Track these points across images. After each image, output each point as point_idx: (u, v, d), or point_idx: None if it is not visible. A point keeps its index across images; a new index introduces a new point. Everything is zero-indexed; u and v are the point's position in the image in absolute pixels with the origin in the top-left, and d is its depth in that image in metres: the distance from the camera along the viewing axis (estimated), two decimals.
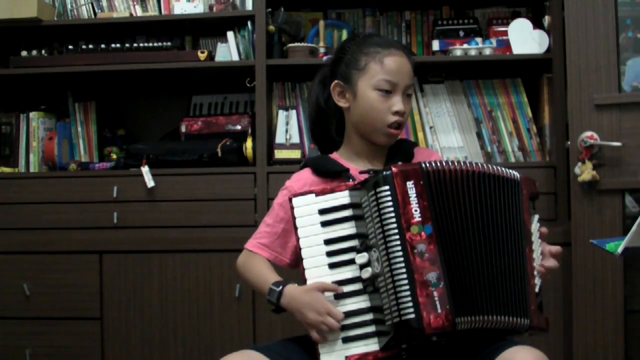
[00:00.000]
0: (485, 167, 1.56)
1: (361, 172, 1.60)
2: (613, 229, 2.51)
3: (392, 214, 1.47)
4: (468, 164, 1.55)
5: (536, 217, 1.61)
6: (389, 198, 1.47)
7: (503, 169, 1.58)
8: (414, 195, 1.48)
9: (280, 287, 1.59)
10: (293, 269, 1.75)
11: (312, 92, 1.86)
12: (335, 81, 1.76)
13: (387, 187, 1.48)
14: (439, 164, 1.53)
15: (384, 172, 1.50)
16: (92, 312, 2.86)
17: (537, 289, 1.55)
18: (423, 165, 1.51)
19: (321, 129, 1.84)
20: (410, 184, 1.48)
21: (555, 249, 1.61)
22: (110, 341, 2.85)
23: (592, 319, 2.54)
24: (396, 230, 1.46)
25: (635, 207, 2.55)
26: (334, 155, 1.80)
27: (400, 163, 1.68)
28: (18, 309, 2.89)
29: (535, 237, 1.58)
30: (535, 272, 1.56)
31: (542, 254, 1.59)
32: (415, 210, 1.47)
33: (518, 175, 1.59)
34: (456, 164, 1.54)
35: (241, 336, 2.78)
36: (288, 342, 1.67)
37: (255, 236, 1.77)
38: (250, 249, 1.75)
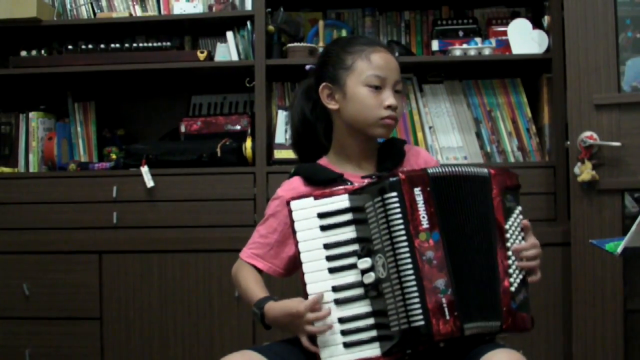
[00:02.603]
0: (467, 169, 1.55)
1: (363, 177, 1.59)
2: (612, 229, 2.51)
3: (400, 221, 1.46)
4: (459, 168, 1.55)
5: (517, 210, 1.58)
6: (397, 205, 1.46)
7: (475, 168, 1.57)
8: (422, 201, 1.47)
9: (260, 310, 1.59)
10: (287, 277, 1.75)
11: (295, 104, 1.83)
12: (324, 84, 1.73)
13: (394, 194, 1.47)
14: (443, 169, 1.53)
15: (391, 178, 1.48)
16: (91, 312, 2.86)
17: (513, 288, 1.53)
18: (429, 171, 1.51)
19: (307, 138, 1.81)
20: (417, 190, 1.48)
21: (522, 245, 1.57)
22: (110, 341, 2.85)
23: (591, 319, 2.54)
24: (404, 238, 1.45)
25: (635, 207, 2.55)
26: (323, 162, 1.77)
27: (406, 169, 1.67)
28: (18, 309, 2.89)
29: (512, 234, 1.56)
30: (511, 270, 1.54)
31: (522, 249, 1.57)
32: (423, 217, 1.47)
33: (487, 171, 1.57)
34: (455, 168, 1.54)
35: (240, 336, 2.78)
36: (288, 342, 1.66)
37: (249, 245, 1.75)
38: (244, 259, 1.73)
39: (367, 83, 1.68)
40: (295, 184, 1.74)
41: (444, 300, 1.44)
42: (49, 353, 2.87)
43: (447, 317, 1.43)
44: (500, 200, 1.56)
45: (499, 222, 1.55)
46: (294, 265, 1.68)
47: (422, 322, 1.43)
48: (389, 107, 1.67)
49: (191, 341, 2.82)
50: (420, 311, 1.43)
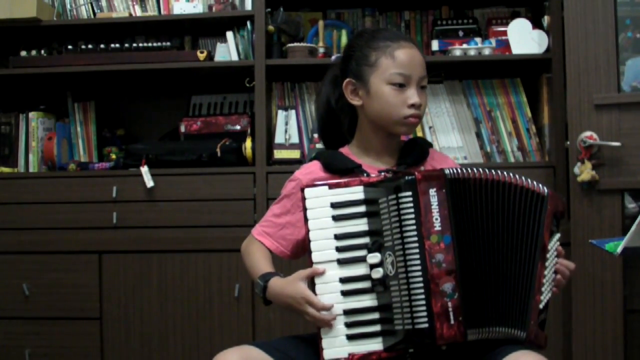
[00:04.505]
0: (511, 176, 1.54)
1: (381, 172, 1.59)
2: (612, 228, 2.50)
3: (413, 222, 1.45)
4: (492, 172, 1.53)
5: (557, 235, 1.59)
6: (411, 205, 1.46)
7: (532, 181, 1.56)
8: (436, 203, 1.46)
9: (265, 282, 1.59)
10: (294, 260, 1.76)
11: (322, 92, 1.83)
12: (347, 79, 1.72)
13: (409, 193, 1.46)
14: (462, 171, 1.51)
15: (407, 177, 1.48)
16: (91, 312, 2.86)
17: (541, 305, 1.54)
18: (447, 171, 1.50)
19: (331, 128, 1.82)
20: (432, 192, 1.47)
21: (568, 262, 1.62)
22: (110, 341, 2.85)
23: (591, 319, 2.54)
24: (416, 239, 1.45)
25: (635, 207, 2.55)
26: (345, 150, 1.78)
27: (423, 168, 1.67)
28: (17, 309, 2.89)
29: (551, 255, 1.57)
30: (544, 289, 1.55)
31: (555, 270, 1.59)
32: (436, 219, 1.46)
33: (546, 190, 1.57)
34: (479, 171, 1.52)
35: (240, 336, 2.78)
36: (288, 338, 1.67)
37: (261, 223, 1.77)
38: (255, 236, 1.75)
39: (390, 81, 1.67)
40: (313, 168, 1.74)
41: (450, 304, 1.43)
42: (49, 353, 2.87)
43: (452, 322, 1.43)
44: (550, 221, 1.56)
45: (545, 241, 1.55)
46: (302, 249, 1.69)
47: (426, 325, 1.43)
48: (412, 105, 1.67)
49: (191, 341, 2.82)
50: (425, 313, 1.43)
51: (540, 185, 1.57)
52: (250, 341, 2.75)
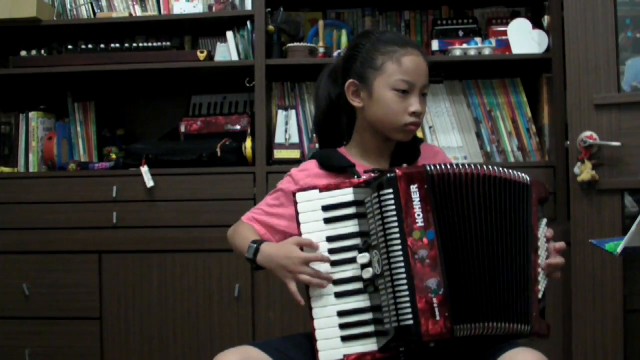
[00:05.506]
0: (494, 170, 1.54)
1: (366, 172, 1.60)
2: (612, 228, 2.50)
3: (395, 218, 1.46)
4: (475, 167, 1.53)
5: (544, 221, 1.59)
6: (392, 202, 1.47)
7: (512, 171, 1.56)
8: (417, 199, 1.47)
9: (257, 244, 1.62)
10: None
11: (321, 88, 1.82)
12: (350, 80, 1.72)
13: (390, 190, 1.47)
14: (444, 167, 1.51)
15: (388, 175, 1.48)
16: (91, 312, 2.86)
17: (540, 295, 1.54)
18: (428, 168, 1.50)
19: (331, 123, 1.82)
20: (414, 188, 1.47)
21: (559, 245, 1.60)
22: (110, 341, 2.85)
23: (591, 319, 2.54)
24: (397, 235, 1.46)
25: (635, 207, 2.55)
26: (342, 151, 1.79)
27: (405, 165, 1.67)
28: (17, 309, 2.89)
29: (542, 242, 1.57)
30: (540, 278, 1.55)
31: (547, 252, 1.58)
32: (418, 215, 1.46)
33: (528, 179, 1.57)
34: (463, 167, 1.52)
35: (240, 336, 2.78)
36: (287, 339, 1.68)
37: (253, 210, 1.79)
38: (245, 220, 1.78)
39: (394, 87, 1.67)
40: (309, 166, 1.77)
41: (435, 300, 1.44)
42: (49, 353, 2.87)
43: (437, 318, 1.43)
44: (537, 209, 1.56)
45: (535, 230, 1.55)
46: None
47: (411, 322, 1.43)
48: (413, 113, 1.67)
49: (191, 341, 2.82)
50: (409, 310, 1.43)
51: (521, 175, 1.57)
52: (250, 341, 2.76)
